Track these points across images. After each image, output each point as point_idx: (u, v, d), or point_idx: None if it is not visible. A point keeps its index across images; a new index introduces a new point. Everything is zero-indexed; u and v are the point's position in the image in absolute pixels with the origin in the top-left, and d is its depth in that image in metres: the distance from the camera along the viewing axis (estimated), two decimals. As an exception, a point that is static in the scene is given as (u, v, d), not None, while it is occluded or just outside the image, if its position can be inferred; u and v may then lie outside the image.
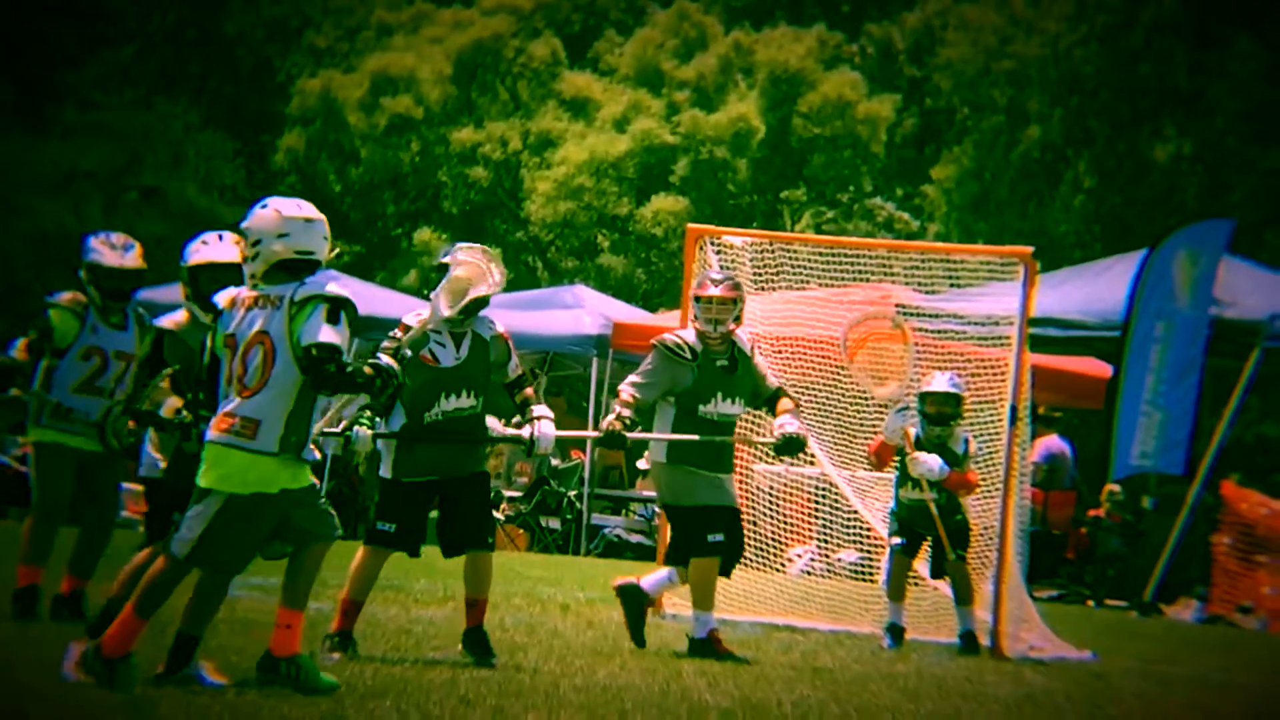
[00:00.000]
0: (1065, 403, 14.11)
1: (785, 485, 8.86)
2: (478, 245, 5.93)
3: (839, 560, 8.65)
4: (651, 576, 6.66)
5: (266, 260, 4.76)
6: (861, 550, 8.64)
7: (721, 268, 8.13)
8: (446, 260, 5.93)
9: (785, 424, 6.47)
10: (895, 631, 7.56)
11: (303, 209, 4.85)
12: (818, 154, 25.18)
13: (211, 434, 4.72)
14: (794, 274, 8.37)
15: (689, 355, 6.49)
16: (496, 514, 13.97)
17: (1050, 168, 21.18)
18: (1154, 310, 12.18)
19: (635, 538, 13.96)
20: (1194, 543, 11.76)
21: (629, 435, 6.40)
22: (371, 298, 15.58)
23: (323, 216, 4.89)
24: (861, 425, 8.07)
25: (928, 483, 7.39)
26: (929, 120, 25.83)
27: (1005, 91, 21.29)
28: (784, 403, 6.56)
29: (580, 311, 15.13)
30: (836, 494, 8.50)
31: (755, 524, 8.43)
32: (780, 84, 25.02)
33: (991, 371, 8.04)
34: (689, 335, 6.59)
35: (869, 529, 8.56)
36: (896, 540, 7.65)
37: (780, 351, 8.26)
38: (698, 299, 6.58)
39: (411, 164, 25.83)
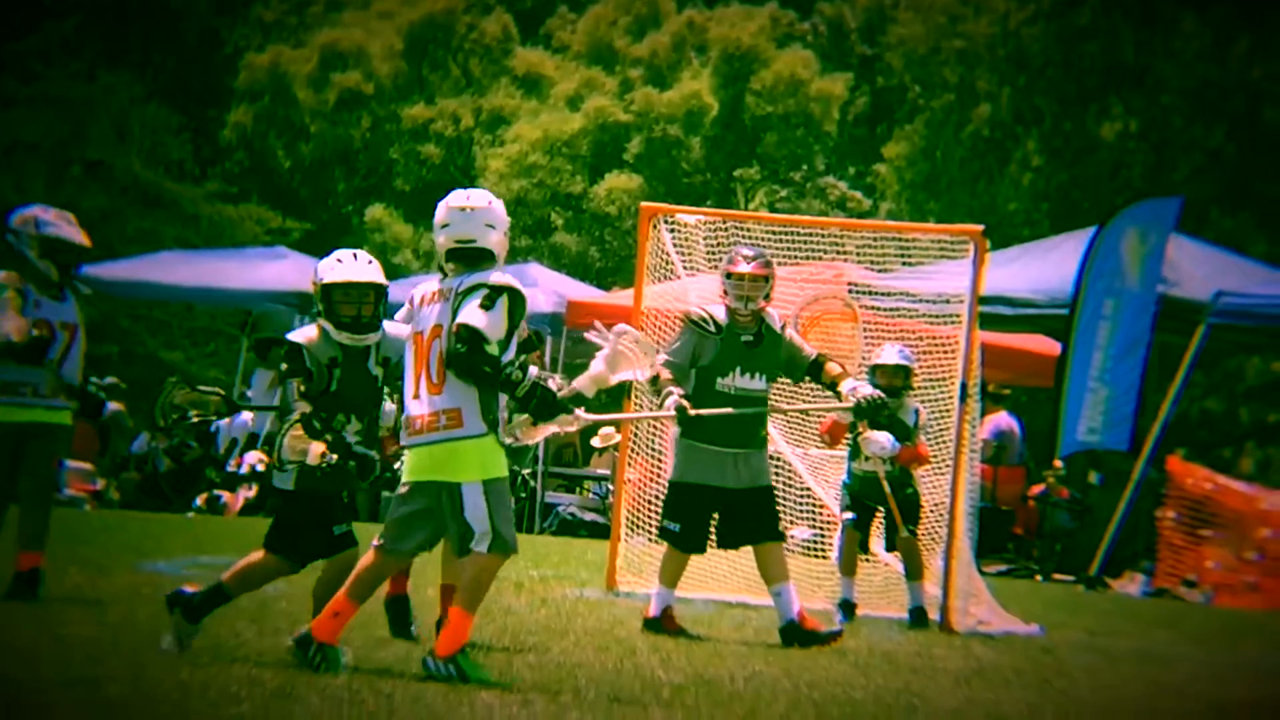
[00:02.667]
0: (1014, 380, 14.26)
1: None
2: (634, 333, 5.69)
3: (792, 537, 8.69)
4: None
5: (439, 252, 4.84)
6: (814, 527, 8.71)
7: (676, 246, 8.14)
8: None
9: (858, 386, 6.41)
10: (847, 606, 7.64)
11: (467, 198, 4.87)
12: (771, 132, 25.21)
13: (421, 436, 4.73)
14: (749, 252, 8.38)
15: (713, 329, 6.52)
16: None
17: (1000, 146, 21.33)
18: (1102, 288, 12.32)
19: (589, 516, 13.99)
20: (1140, 518, 11.93)
21: (691, 411, 6.32)
22: (323, 276, 15.45)
23: (489, 204, 4.83)
24: (813, 403, 8.13)
25: (880, 459, 7.47)
26: (881, 99, 25.93)
27: (956, 70, 21.40)
28: (831, 367, 6.52)
29: (534, 290, 15.08)
30: (789, 471, 8.56)
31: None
32: (733, 62, 25.01)
33: (942, 349, 8.11)
34: (718, 309, 6.61)
35: (821, 506, 8.63)
36: (848, 515, 7.72)
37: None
38: (729, 275, 6.59)
39: (362, 140, 25.62)
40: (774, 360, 6.56)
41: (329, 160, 25.81)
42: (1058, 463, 13.02)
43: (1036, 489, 13.43)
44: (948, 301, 8.17)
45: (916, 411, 7.62)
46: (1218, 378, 20.09)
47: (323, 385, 5.02)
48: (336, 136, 25.49)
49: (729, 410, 6.44)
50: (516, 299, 4.69)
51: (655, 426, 8.45)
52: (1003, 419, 13.62)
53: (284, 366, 5.06)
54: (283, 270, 15.07)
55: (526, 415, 4.79)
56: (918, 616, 7.58)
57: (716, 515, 6.60)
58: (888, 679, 5.58)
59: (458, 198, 4.86)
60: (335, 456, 4.97)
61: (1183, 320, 12.24)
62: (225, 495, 13.67)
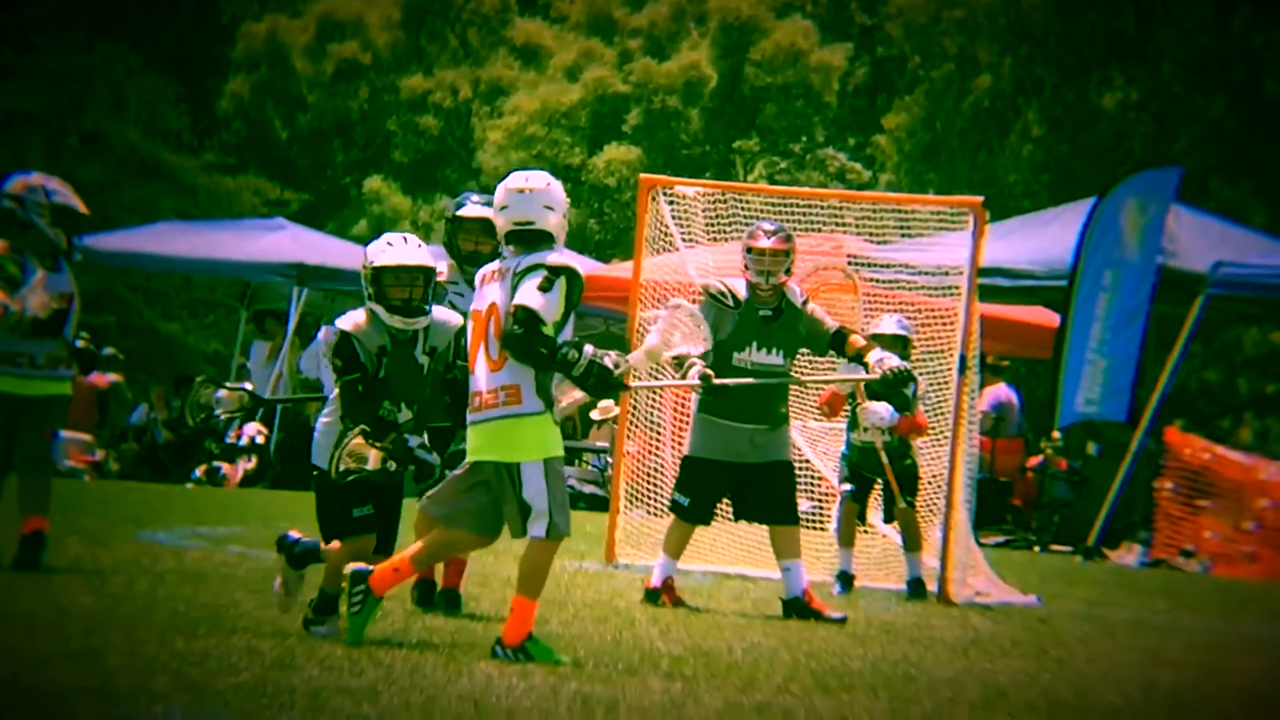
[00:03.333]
0: (1013, 352, 14.26)
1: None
2: (686, 305, 5.65)
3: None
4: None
5: (500, 234, 4.84)
6: (813, 499, 8.72)
7: (675, 218, 8.12)
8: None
9: (885, 358, 6.35)
10: (845, 578, 7.66)
11: (526, 180, 4.88)
12: (770, 103, 25.12)
13: (482, 413, 4.73)
14: (746, 224, 8.33)
15: (731, 303, 6.52)
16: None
17: (1000, 117, 21.25)
18: (1102, 259, 12.29)
19: (588, 488, 14.01)
20: (1138, 488, 11.96)
21: (715, 380, 6.32)
22: (321, 247, 15.43)
23: (547, 186, 4.84)
24: (813, 375, 8.12)
25: (879, 429, 7.47)
26: (880, 69, 25.81)
27: (956, 40, 21.29)
28: (855, 339, 6.49)
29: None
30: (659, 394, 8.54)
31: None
32: (732, 32, 24.89)
33: (941, 321, 8.10)
34: (738, 284, 6.60)
35: (820, 478, 8.64)
36: (846, 486, 7.73)
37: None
38: (749, 250, 6.58)
39: (360, 111, 25.52)
40: (793, 335, 6.53)
41: (327, 131, 25.73)
42: (1056, 434, 13.03)
43: (1035, 460, 13.45)
44: (947, 273, 8.15)
45: (915, 382, 7.62)
46: (1216, 348, 20.08)
47: (372, 372, 4.99)
48: (334, 107, 25.40)
49: (751, 381, 6.42)
50: (574, 280, 4.71)
51: (653, 399, 8.45)
52: (1001, 391, 13.62)
53: (336, 361, 5.01)
54: (281, 241, 15.03)
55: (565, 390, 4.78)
56: (916, 588, 7.60)
57: (730, 490, 6.60)
58: (885, 649, 5.60)
59: (516, 180, 4.86)
60: (394, 465, 4.95)
61: (1182, 291, 12.22)
62: (225, 467, 13.69)
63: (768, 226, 6.65)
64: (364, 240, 24.50)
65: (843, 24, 26.21)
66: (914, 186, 21.34)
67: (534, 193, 4.82)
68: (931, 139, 21.96)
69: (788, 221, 8.18)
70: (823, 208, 8.33)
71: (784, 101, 25.08)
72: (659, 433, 8.80)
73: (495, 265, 4.83)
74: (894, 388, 6.60)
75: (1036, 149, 21.19)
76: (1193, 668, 5.76)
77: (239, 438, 13.84)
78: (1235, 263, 12.27)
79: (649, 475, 8.56)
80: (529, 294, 4.66)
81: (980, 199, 7.88)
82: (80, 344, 6.48)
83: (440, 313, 5.16)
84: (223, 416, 6.06)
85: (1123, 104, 20.67)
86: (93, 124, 22.31)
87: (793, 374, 6.77)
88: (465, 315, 5.78)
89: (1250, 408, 21.22)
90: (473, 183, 25.88)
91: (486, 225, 5.92)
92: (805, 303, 6.61)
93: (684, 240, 8.30)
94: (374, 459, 4.92)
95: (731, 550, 8.16)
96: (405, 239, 5.16)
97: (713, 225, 8.30)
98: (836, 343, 6.54)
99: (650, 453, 8.68)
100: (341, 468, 4.94)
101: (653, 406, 8.49)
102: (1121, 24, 20.28)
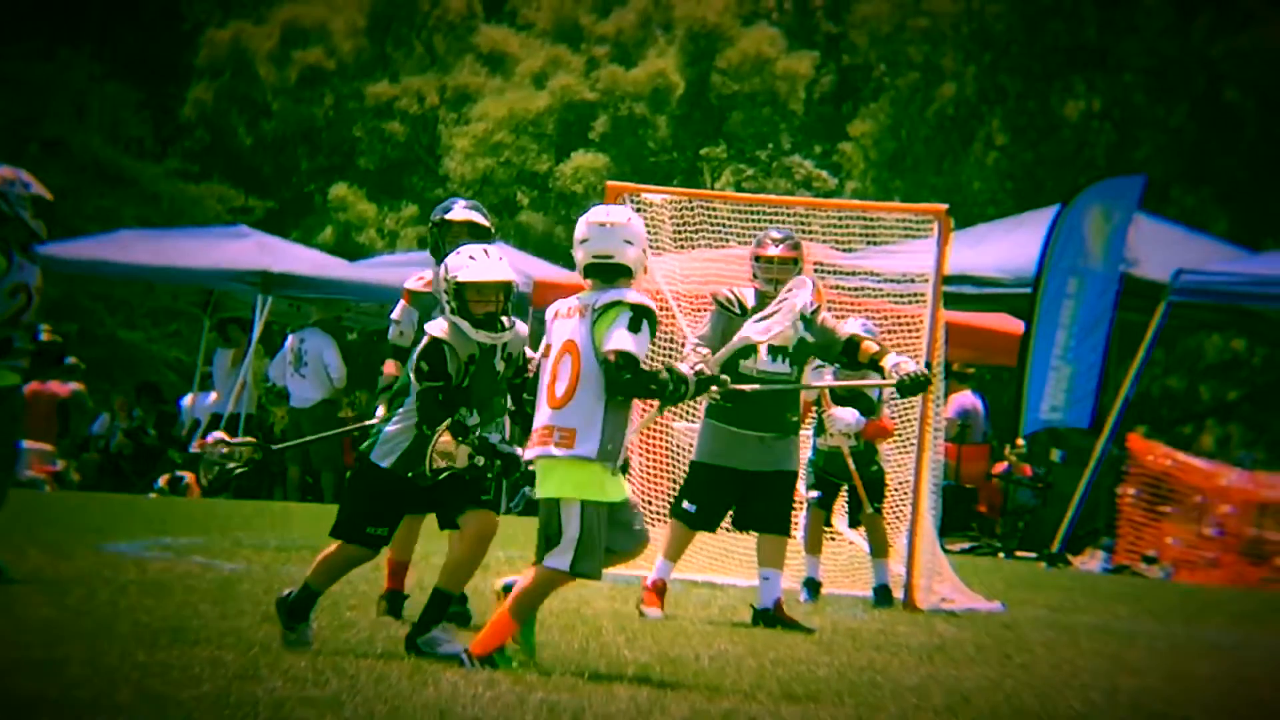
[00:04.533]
0: (978, 359, 14.34)
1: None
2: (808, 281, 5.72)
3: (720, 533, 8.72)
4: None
5: (579, 267, 4.86)
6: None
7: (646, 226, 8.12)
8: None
9: (900, 363, 6.29)
10: (812, 585, 7.67)
11: (607, 214, 4.90)
12: (737, 111, 25.18)
13: (534, 449, 4.77)
14: (713, 231, 8.40)
15: (739, 310, 6.52)
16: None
17: (964, 125, 21.39)
18: (1066, 266, 12.38)
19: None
20: (1101, 495, 12.05)
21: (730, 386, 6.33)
22: (286, 254, 15.35)
23: (628, 221, 4.85)
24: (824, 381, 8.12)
25: (845, 435, 7.49)
26: (846, 77, 25.94)
27: (920, 48, 21.42)
28: (868, 345, 6.46)
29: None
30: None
31: (675, 482, 8.50)
32: (699, 40, 24.95)
33: (907, 328, 8.14)
34: (747, 292, 6.60)
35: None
36: (813, 494, 7.75)
37: (700, 310, 8.29)
38: (757, 258, 6.58)
39: (325, 118, 25.40)
40: (802, 344, 6.51)
41: (292, 138, 25.59)
42: (1020, 441, 13.11)
43: (1000, 467, 13.53)
44: (912, 280, 8.19)
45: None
46: (1178, 355, 20.27)
47: (457, 381, 4.99)
48: (299, 114, 25.26)
49: (771, 387, 6.41)
50: (654, 318, 4.77)
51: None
52: (967, 398, 13.69)
53: (422, 365, 4.97)
54: (244, 249, 14.94)
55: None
56: (882, 594, 7.63)
57: (735, 498, 6.60)
58: (851, 656, 5.62)
59: (598, 214, 4.88)
60: (482, 460, 4.92)
61: (1143, 298, 12.33)
62: (188, 476, 13.58)
63: (775, 234, 6.66)
64: (329, 248, 24.39)
65: (808, 32, 26.33)
66: (880, 194, 21.45)
67: (615, 227, 4.84)
68: (897, 147, 22.08)
69: (755, 229, 8.21)
70: (789, 215, 8.37)
71: (751, 109, 25.16)
72: (629, 441, 8.79)
73: (572, 302, 4.84)
74: (912, 393, 6.58)
75: (1000, 157, 21.35)
76: (1155, 673, 5.81)
77: (202, 447, 13.73)
78: (1196, 270, 12.40)
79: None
80: (622, 338, 4.69)
81: (945, 207, 7.93)
82: (44, 337, 6.40)
83: (520, 324, 5.17)
84: (236, 470, 6.06)
85: (1085, 112, 20.86)
86: (54, 131, 22.11)
87: (804, 381, 6.75)
88: None
89: (1212, 414, 21.43)
90: (439, 190, 25.83)
91: (474, 229, 5.90)
92: (815, 311, 6.63)
93: (651, 247, 8.30)
94: (462, 456, 4.90)
95: (699, 558, 8.16)
96: (486, 252, 5.12)
97: (680, 232, 8.32)
98: (849, 350, 6.51)
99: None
100: (435, 466, 4.90)
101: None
102: (1083, 33, 20.47)
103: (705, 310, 8.33)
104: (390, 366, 6.04)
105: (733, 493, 6.59)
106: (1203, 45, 19.44)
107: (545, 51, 25.24)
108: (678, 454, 8.65)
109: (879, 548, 7.72)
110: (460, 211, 5.97)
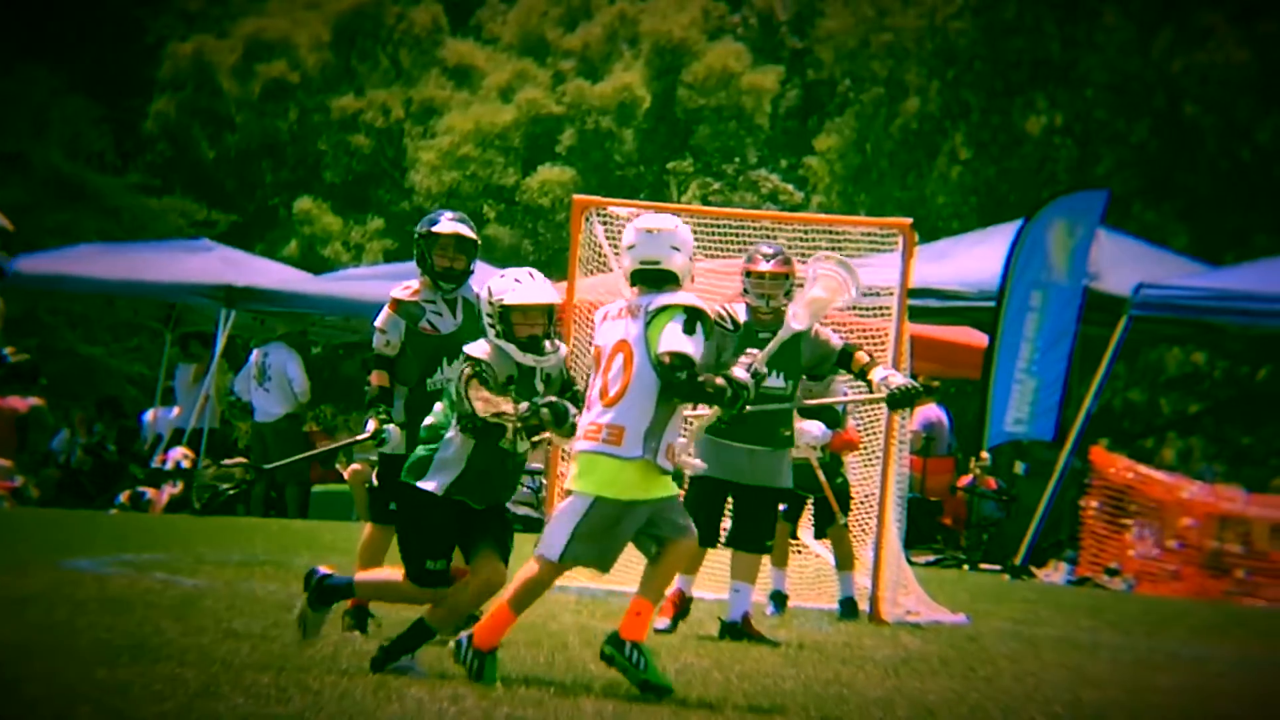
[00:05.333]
0: (943, 372, 14.42)
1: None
2: (834, 255, 5.69)
3: (724, 529, 8.73)
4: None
5: (625, 274, 4.89)
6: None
7: (608, 239, 8.13)
8: (802, 274, 5.70)
9: (890, 376, 6.30)
10: (778, 598, 7.68)
11: (652, 220, 4.94)
12: (703, 125, 25.28)
13: (581, 443, 4.78)
14: (679, 245, 8.40)
15: (731, 326, 6.53)
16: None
17: (928, 139, 21.54)
18: (1030, 280, 12.47)
19: (522, 510, 13.94)
20: (1064, 507, 12.12)
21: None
22: (250, 268, 15.25)
23: (675, 228, 4.90)
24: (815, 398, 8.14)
25: (812, 447, 7.51)
26: (811, 92, 26.08)
27: (885, 64, 21.57)
28: (860, 356, 6.47)
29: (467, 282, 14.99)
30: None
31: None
32: (665, 54, 25.04)
33: (872, 342, 8.17)
34: (739, 307, 6.60)
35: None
36: (780, 506, 7.76)
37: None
38: (748, 274, 6.58)
39: (290, 132, 25.30)
40: (795, 359, 6.50)
41: (255, 151, 25.47)
42: (985, 454, 13.18)
43: (964, 479, 13.60)
44: (877, 294, 8.23)
45: (845, 393, 7.67)
46: (1140, 369, 20.45)
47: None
48: (263, 127, 25.16)
49: (766, 408, 6.38)
50: (707, 320, 4.80)
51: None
52: (932, 411, 13.76)
53: (469, 374, 4.95)
54: (207, 263, 14.83)
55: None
56: (848, 607, 7.64)
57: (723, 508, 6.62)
58: (817, 669, 5.63)
59: (646, 220, 4.93)
60: (530, 410, 4.80)
61: (1105, 312, 12.44)
62: (149, 492, 13.45)
63: (766, 250, 6.69)
64: (293, 261, 24.25)
65: (773, 47, 26.47)
66: (845, 208, 21.56)
67: (662, 233, 4.88)
68: (862, 161, 22.21)
69: (721, 242, 8.23)
70: (755, 229, 8.39)
71: (717, 123, 25.26)
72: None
73: (620, 304, 4.87)
74: (901, 405, 6.58)
75: (964, 171, 21.51)
76: (1117, 685, 5.85)
77: (163, 462, 13.62)
78: (1157, 284, 12.52)
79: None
80: (678, 339, 4.70)
81: (909, 220, 7.97)
82: (13, 359, 6.35)
83: (556, 344, 5.16)
84: (230, 492, 6.03)
85: (1047, 128, 21.05)
86: (14, 146, 21.90)
87: (797, 397, 6.74)
88: (443, 334, 5.87)
89: (1173, 427, 21.62)
90: (405, 203, 25.75)
91: (460, 241, 5.89)
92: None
93: (618, 261, 8.31)
94: (510, 406, 4.87)
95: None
96: (531, 275, 5.13)
97: (646, 246, 8.31)
98: (844, 360, 6.53)
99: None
100: (484, 415, 4.86)
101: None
102: (1045, 49, 20.67)
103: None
104: (377, 378, 5.98)
105: (722, 504, 6.60)
106: (1163, 61, 19.67)
107: (511, 65, 25.26)
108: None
109: (844, 560, 7.73)
110: (447, 224, 5.95)
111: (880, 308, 8.13)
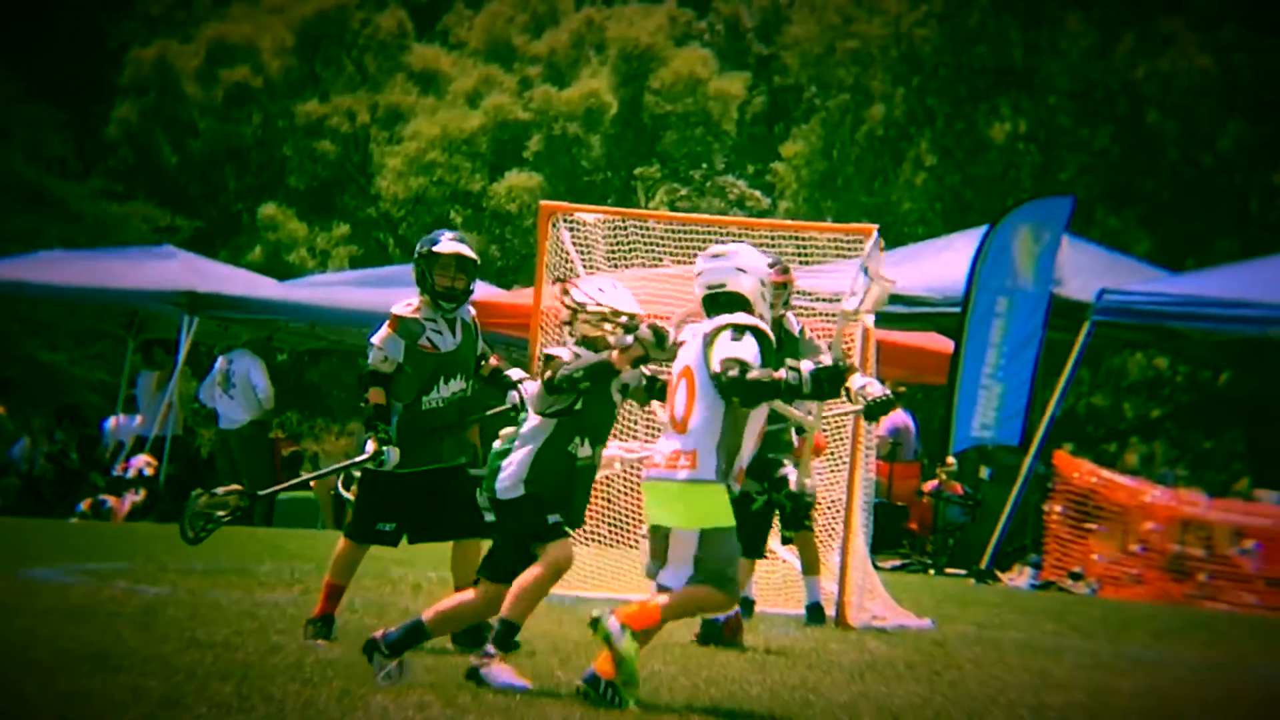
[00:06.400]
0: (909, 378, 14.49)
1: (639, 462, 8.92)
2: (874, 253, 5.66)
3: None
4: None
5: (698, 301, 4.95)
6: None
7: (575, 245, 8.12)
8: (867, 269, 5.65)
9: (869, 385, 6.34)
10: (745, 604, 7.68)
11: (718, 247, 5.02)
12: (670, 131, 25.31)
13: (654, 472, 4.83)
14: (647, 251, 8.42)
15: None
16: (347, 494, 13.76)
17: (894, 146, 21.64)
18: (995, 286, 12.54)
19: (488, 517, 13.89)
20: (1028, 512, 12.20)
21: None
22: (214, 274, 15.15)
23: (739, 251, 4.97)
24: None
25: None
26: (778, 98, 26.17)
27: (850, 70, 21.66)
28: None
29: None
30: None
31: (610, 500, 8.48)
32: (631, 60, 25.06)
33: (838, 347, 8.20)
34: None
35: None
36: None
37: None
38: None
39: (254, 137, 25.16)
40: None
41: (219, 157, 25.30)
42: (951, 459, 13.25)
43: (930, 485, 13.66)
44: (844, 300, 8.24)
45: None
46: (1103, 374, 20.62)
47: (568, 404, 5.01)
48: (227, 133, 24.99)
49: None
50: (762, 336, 4.83)
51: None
52: (898, 416, 13.81)
53: (552, 377, 4.98)
54: (170, 269, 14.73)
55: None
56: (815, 613, 7.66)
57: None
58: (784, 674, 5.64)
59: (712, 248, 5.01)
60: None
61: (1068, 318, 12.53)
62: (111, 500, 13.33)
63: (766, 260, 6.75)
64: (258, 268, 24.08)
65: (740, 53, 26.55)
66: (812, 213, 21.62)
67: (725, 256, 4.96)
68: (828, 167, 22.29)
69: (689, 248, 8.24)
70: (723, 235, 8.41)
71: (684, 129, 25.29)
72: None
73: (690, 331, 4.93)
74: (877, 416, 6.62)
75: (929, 178, 21.62)
76: (1079, 689, 5.89)
77: (125, 470, 13.50)
78: (1119, 290, 12.63)
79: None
80: (724, 348, 4.78)
81: (875, 226, 8.00)
82: None
83: None
84: (225, 520, 6.00)
85: (1011, 134, 21.19)
86: (-26, 152, 21.65)
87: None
88: (443, 352, 5.87)
89: (1136, 432, 21.80)
90: (371, 209, 25.65)
91: (461, 261, 5.96)
92: (802, 331, 6.66)
93: (585, 267, 8.31)
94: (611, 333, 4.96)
95: (632, 577, 8.15)
96: (615, 285, 5.22)
97: (614, 252, 8.32)
98: None
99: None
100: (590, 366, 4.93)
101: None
102: (1009, 56, 20.81)
103: (639, 330, 8.32)
104: (374, 395, 5.95)
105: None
106: (1125, 68, 19.84)
107: (478, 71, 25.22)
108: (614, 475, 8.64)
109: (811, 565, 7.75)
110: (448, 244, 6.00)
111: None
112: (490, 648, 4.88)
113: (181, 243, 18.62)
